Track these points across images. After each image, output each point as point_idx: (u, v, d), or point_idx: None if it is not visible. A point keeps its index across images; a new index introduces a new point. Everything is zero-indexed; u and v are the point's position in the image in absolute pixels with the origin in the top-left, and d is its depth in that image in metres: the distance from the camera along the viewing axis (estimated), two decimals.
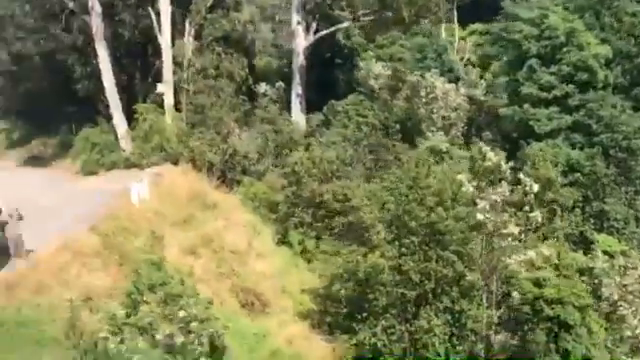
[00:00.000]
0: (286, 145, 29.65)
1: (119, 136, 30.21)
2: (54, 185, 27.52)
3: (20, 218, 19.00)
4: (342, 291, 19.84)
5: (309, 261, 25.45)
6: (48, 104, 35.78)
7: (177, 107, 30.28)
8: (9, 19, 33.31)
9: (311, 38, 33.61)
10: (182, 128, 29.50)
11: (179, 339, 13.16)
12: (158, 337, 12.96)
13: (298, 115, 33.26)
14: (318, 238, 25.72)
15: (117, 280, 18.30)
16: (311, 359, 19.67)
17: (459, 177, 19.55)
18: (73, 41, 30.85)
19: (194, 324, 13.33)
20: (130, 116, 30.30)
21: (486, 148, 20.79)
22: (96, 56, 30.13)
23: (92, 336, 14.83)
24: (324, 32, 33.78)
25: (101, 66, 29.75)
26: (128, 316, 13.87)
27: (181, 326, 13.39)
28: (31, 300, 16.21)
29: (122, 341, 13.51)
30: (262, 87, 33.38)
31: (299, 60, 33.53)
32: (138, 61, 32.62)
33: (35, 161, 34.16)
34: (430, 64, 39.05)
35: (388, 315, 18.77)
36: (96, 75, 30.83)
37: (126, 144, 30.06)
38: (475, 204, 19.14)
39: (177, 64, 30.36)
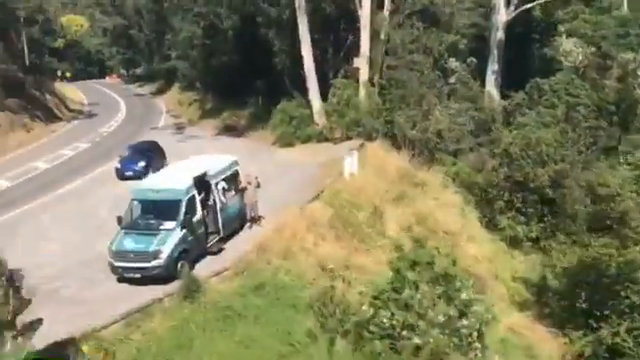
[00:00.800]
0: (486, 124, 28.34)
1: (314, 110, 30.69)
2: (257, 155, 28.46)
3: (258, 185, 19.88)
4: (577, 284, 18.47)
5: (517, 247, 24.27)
6: (237, 77, 37.52)
7: (371, 82, 30.08)
8: None
9: (512, 13, 31.65)
10: (377, 103, 29.27)
11: (459, 322, 12.79)
12: (440, 318, 12.66)
13: (493, 92, 31.67)
14: (527, 224, 24.41)
15: (350, 252, 18.56)
16: (540, 352, 18.69)
17: None
18: (278, 14, 31.55)
19: (475, 308, 12.90)
20: (322, 90, 30.66)
21: None
22: (294, 30, 30.69)
23: (348, 307, 15.09)
24: (526, 6, 31.67)
25: (302, 40, 30.10)
26: (396, 291, 13.78)
27: (459, 308, 13.02)
28: (282, 265, 16.79)
29: (391, 316, 13.47)
30: (452, 63, 32.16)
31: (498, 35, 31.79)
32: (331, 36, 32.82)
33: (229, 131, 35.93)
34: (633, 40, 35.57)
35: (636, 315, 17.18)
36: (293, 49, 31.51)
37: (319, 118, 30.45)
38: None
39: (372, 38, 30.06)
